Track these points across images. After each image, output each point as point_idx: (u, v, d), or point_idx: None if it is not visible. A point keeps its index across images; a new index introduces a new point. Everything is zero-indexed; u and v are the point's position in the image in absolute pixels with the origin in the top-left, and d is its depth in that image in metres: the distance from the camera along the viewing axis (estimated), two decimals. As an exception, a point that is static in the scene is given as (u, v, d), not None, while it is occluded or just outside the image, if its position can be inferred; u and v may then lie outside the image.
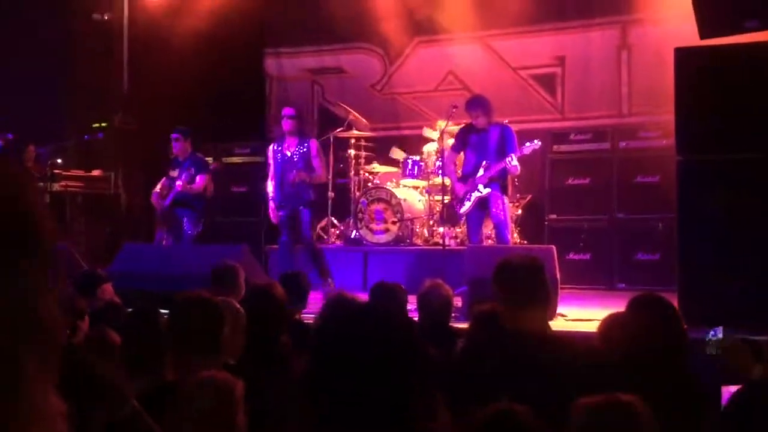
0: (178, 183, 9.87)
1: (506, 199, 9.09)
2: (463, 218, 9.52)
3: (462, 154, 9.38)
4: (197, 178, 9.98)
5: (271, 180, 9.65)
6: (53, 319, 1.06)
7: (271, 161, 9.70)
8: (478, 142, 9.06)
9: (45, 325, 1.04)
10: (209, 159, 11.10)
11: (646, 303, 3.57)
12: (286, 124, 9.57)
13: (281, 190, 9.49)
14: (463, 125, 9.46)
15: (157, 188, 10.14)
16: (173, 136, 10.15)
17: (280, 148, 9.59)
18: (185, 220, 9.95)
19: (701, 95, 6.70)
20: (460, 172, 9.38)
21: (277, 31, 13.67)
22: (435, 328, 5.07)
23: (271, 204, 9.65)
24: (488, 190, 8.90)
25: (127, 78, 13.56)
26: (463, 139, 9.26)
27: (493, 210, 8.94)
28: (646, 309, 3.51)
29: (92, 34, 13.11)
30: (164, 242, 10.14)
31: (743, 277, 6.41)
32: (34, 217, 1.07)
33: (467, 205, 9.05)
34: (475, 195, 8.97)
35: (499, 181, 9.00)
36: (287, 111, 9.71)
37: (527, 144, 8.88)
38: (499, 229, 9.01)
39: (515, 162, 8.79)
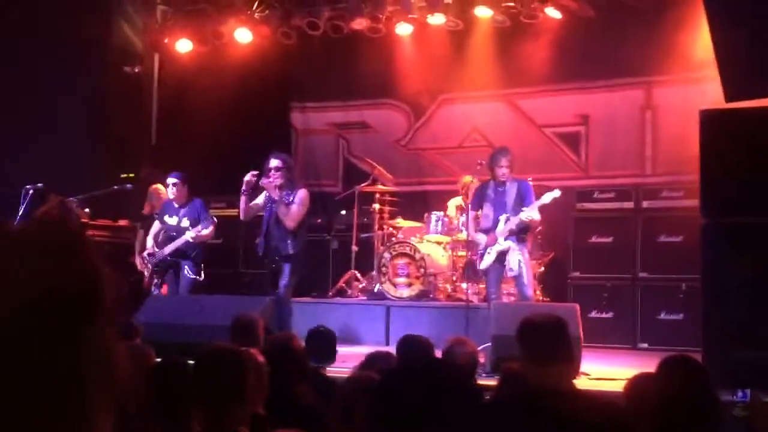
0: (191, 235, 9.54)
1: (526, 252, 9.09)
2: (483, 273, 9.49)
3: (481, 210, 9.37)
4: (208, 226, 9.68)
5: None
6: (122, 370, 1.13)
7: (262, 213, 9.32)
8: (496, 196, 9.07)
9: (115, 376, 1.10)
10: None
11: (677, 364, 3.57)
12: (271, 178, 8.97)
13: (267, 243, 9.07)
14: (480, 183, 9.48)
15: (150, 236, 10.02)
16: (171, 181, 9.79)
17: (269, 200, 9.08)
18: (186, 268, 9.69)
19: (726, 157, 6.73)
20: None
21: (303, 85, 13.85)
22: (460, 384, 5.07)
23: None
24: (508, 243, 8.90)
25: (156, 130, 13.76)
26: (480, 196, 9.26)
27: (513, 262, 8.92)
28: (676, 371, 3.51)
29: (122, 86, 13.33)
30: (157, 291, 9.89)
31: (766, 340, 6.39)
32: (98, 280, 1.12)
33: (487, 259, 9.04)
34: (495, 249, 8.97)
35: (519, 234, 9.00)
36: (273, 162, 9.04)
37: (547, 194, 8.90)
38: (519, 281, 9.00)
39: (533, 214, 8.84)
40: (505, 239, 8.91)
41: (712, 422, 3.42)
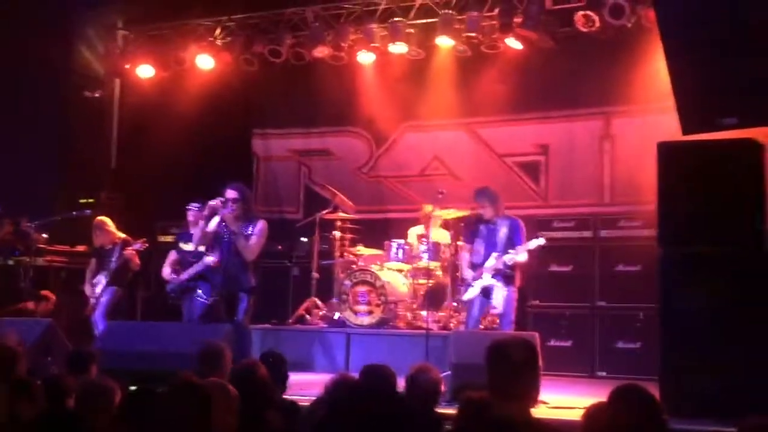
0: (210, 260, 9.12)
1: (513, 291, 9.13)
2: (464, 304, 9.54)
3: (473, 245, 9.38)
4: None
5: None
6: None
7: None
8: (487, 233, 9.16)
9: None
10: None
11: (627, 394, 3.61)
12: (230, 209, 8.65)
13: (223, 273, 8.78)
14: (471, 216, 9.51)
15: (167, 265, 9.96)
16: (190, 205, 9.88)
17: (227, 229, 8.71)
18: (200, 291, 9.47)
19: (682, 189, 6.85)
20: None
21: (264, 112, 13.85)
22: (422, 412, 5.07)
23: None
24: (494, 280, 8.99)
25: (116, 155, 13.69)
26: (472, 230, 9.35)
27: (496, 300, 9.00)
28: (627, 400, 3.55)
29: (83, 111, 13.26)
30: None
31: (723, 369, 6.47)
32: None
33: (471, 291, 9.12)
34: (479, 283, 9.04)
35: (506, 272, 9.06)
36: (229, 194, 8.68)
37: (533, 240, 9.01)
38: (502, 318, 9.13)
39: (517, 257, 8.94)
40: (492, 276, 8.98)
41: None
